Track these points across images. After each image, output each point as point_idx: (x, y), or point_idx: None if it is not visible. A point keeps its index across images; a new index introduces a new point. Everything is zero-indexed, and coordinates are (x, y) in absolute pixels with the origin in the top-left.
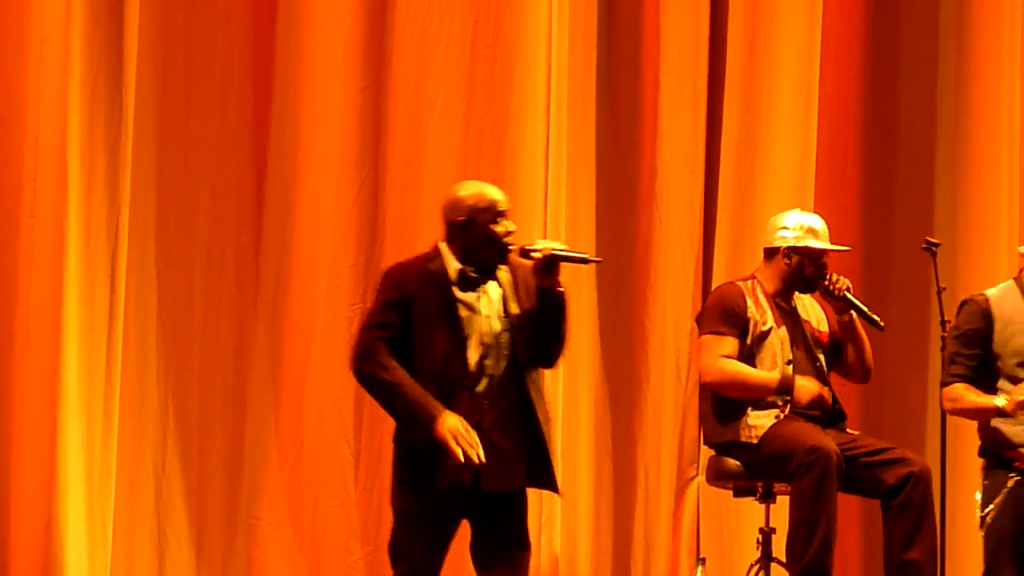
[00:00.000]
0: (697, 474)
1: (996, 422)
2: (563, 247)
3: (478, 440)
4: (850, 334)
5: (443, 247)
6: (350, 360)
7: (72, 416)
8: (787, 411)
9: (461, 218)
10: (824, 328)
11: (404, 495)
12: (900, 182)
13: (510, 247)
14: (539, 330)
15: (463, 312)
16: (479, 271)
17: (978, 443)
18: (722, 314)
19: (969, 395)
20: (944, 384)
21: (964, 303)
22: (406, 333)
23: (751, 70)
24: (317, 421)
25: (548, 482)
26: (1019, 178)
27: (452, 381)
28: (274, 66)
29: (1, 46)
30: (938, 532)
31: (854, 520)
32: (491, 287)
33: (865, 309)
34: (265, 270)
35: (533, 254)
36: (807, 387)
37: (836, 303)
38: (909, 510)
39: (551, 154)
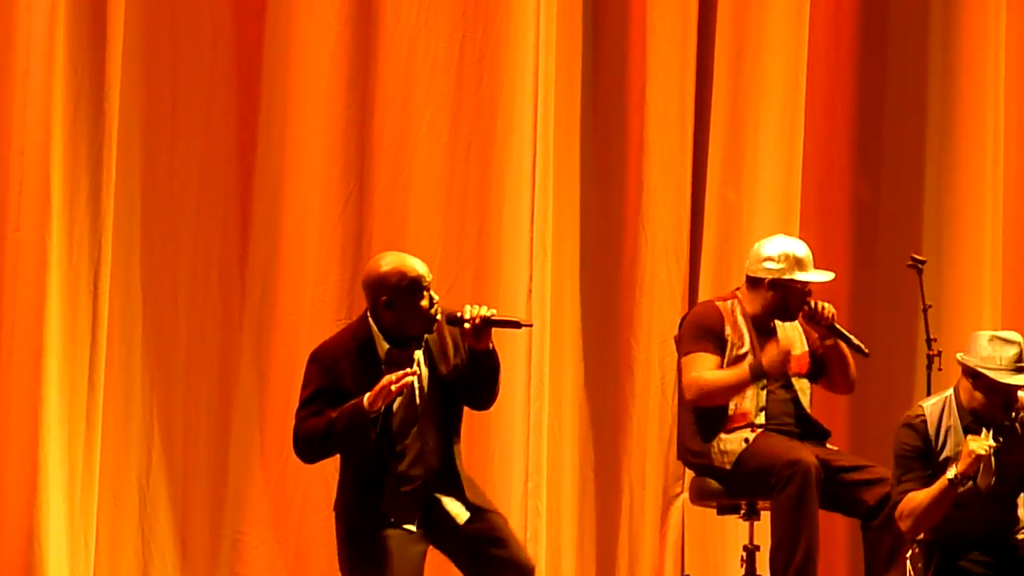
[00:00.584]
0: (682, 491)
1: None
2: (492, 312)
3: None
4: (833, 353)
5: (371, 324)
6: (295, 452)
7: (55, 431)
8: (757, 433)
9: (384, 298)
10: (805, 350)
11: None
12: (886, 199)
13: (435, 319)
14: (471, 384)
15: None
16: (406, 342)
17: None
18: (700, 334)
19: (919, 495)
20: (896, 505)
21: (904, 422)
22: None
23: (738, 87)
24: None
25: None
26: (1003, 196)
27: (383, 452)
28: (260, 81)
29: None
30: None
31: (839, 533)
32: (418, 355)
33: (851, 337)
34: (250, 285)
35: (465, 324)
36: (772, 357)
37: (821, 330)
38: (889, 530)
39: (537, 170)
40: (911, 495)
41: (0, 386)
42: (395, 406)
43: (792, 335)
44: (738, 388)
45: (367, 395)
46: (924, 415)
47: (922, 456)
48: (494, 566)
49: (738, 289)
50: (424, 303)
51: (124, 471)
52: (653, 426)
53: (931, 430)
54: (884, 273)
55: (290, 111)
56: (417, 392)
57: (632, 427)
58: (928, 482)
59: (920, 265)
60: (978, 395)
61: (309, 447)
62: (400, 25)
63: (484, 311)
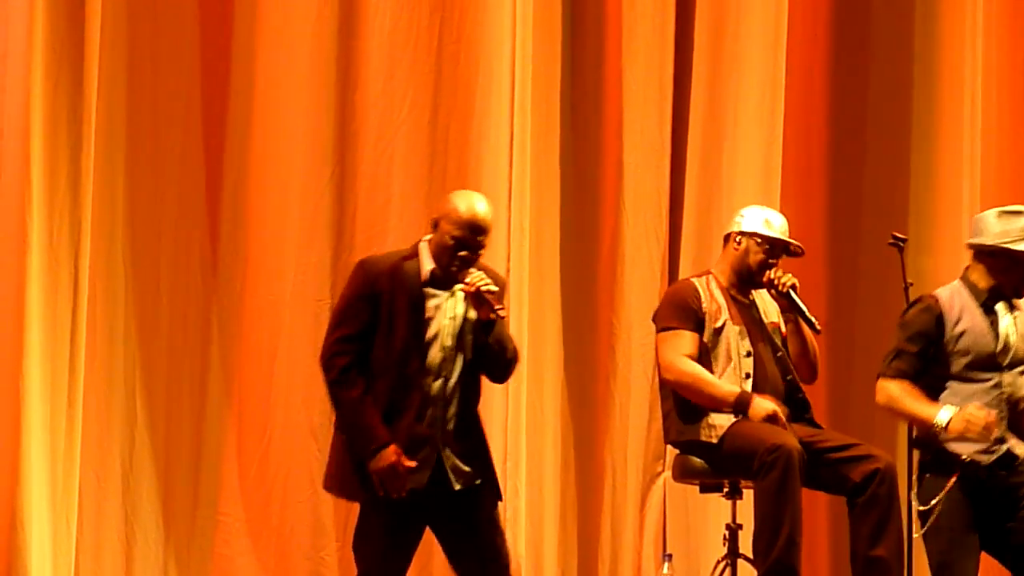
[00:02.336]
0: (663, 470)
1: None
2: (489, 289)
3: (404, 478)
4: (793, 334)
5: (423, 245)
6: (319, 356)
7: (37, 413)
8: None
9: (435, 218)
10: (782, 325)
11: (361, 485)
12: (867, 176)
13: (456, 266)
14: (480, 349)
15: (429, 312)
16: (447, 275)
17: None
18: (677, 310)
19: (908, 399)
20: (883, 376)
21: (915, 302)
22: (372, 325)
23: (717, 66)
24: (284, 417)
25: (492, 490)
26: (980, 173)
27: (407, 378)
28: (242, 63)
29: None
30: (904, 528)
31: (822, 516)
32: (459, 291)
33: (804, 308)
34: (232, 266)
35: (459, 285)
36: (762, 406)
37: (780, 300)
38: (875, 507)
39: (515, 150)
40: (899, 387)
41: None
42: (430, 333)
43: (771, 308)
44: (713, 403)
45: (378, 457)
46: (938, 297)
47: (928, 340)
48: (470, 553)
49: (713, 265)
50: (452, 244)
51: (107, 452)
52: (634, 405)
53: (946, 312)
54: (865, 251)
55: (271, 92)
56: (446, 332)
57: (614, 406)
58: (922, 365)
59: (901, 243)
60: (997, 274)
61: (326, 384)
62: (380, 6)
63: (481, 283)
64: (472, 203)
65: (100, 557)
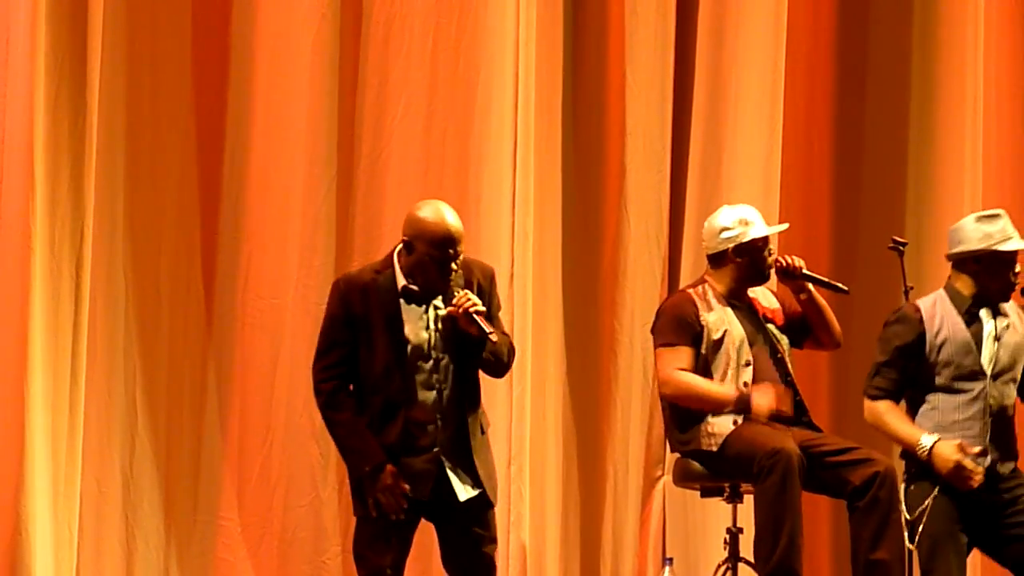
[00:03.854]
0: (663, 474)
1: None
2: (477, 309)
3: (399, 500)
4: (810, 306)
5: (395, 259)
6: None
7: (39, 419)
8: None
9: (406, 238)
10: (776, 305)
11: (354, 501)
12: (867, 180)
13: (442, 285)
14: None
15: (407, 327)
16: (424, 290)
17: None
18: (674, 325)
19: (893, 420)
20: (866, 395)
21: (895, 314)
22: (353, 346)
23: (718, 70)
24: (286, 422)
25: (490, 496)
26: (982, 177)
27: (395, 393)
28: (239, 69)
29: None
30: (905, 531)
31: (823, 519)
32: (438, 302)
33: (826, 279)
34: (233, 271)
35: (450, 307)
36: (763, 403)
37: (795, 282)
38: (875, 510)
39: (518, 155)
40: (883, 407)
41: None
42: (413, 346)
43: (768, 300)
44: (714, 406)
45: (374, 481)
46: (920, 307)
47: (910, 354)
48: (464, 561)
49: (706, 274)
50: (435, 264)
51: (107, 457)
52: (636, 409)
53: (927, 323)
54: (864, 254)
55: (269, 99)
56: (432, 333)
57: (615, 411)
58: (902, 380)
59: (901, 247)
60: (983, 280)
61: (320, 410)
62: (375, 11)
63: (471, 304)
64: (442, 217)
65: (101, 563)
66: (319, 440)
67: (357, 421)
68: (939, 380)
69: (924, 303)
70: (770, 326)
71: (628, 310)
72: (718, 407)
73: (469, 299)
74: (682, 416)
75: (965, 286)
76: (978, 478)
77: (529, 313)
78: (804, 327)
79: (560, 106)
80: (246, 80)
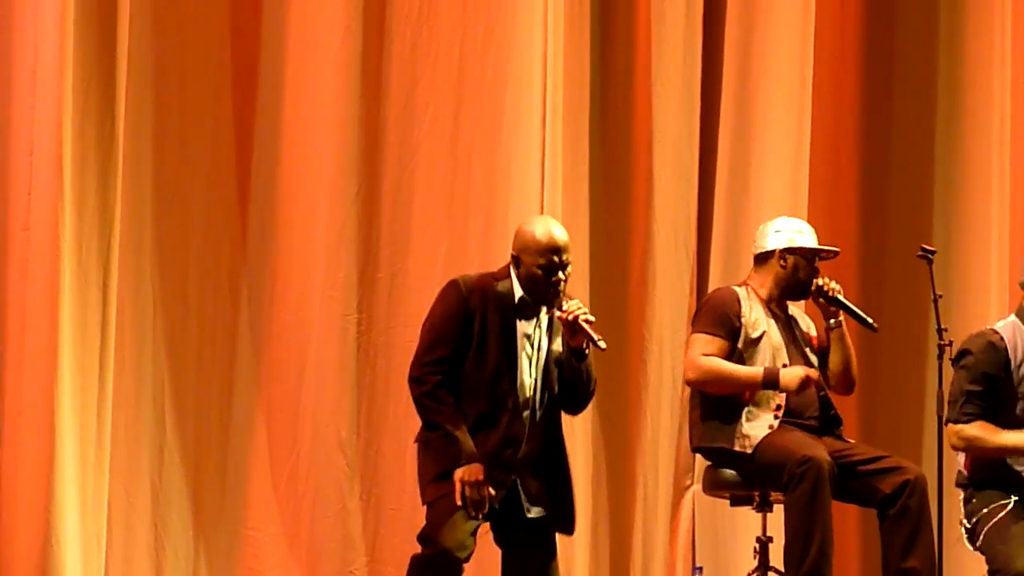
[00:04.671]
0: (692, 483)
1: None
2: (588, 318)
3: (485, 500)
4: (838, 343)
5: (512, 270)
6: (410, 368)
7: (68, 429)
8: (780, 418)
9: (514, 253)
10: (814, 334)
11: (437, 484)
12: (894, 189)
13: (549, 294)
14: (564, 378)
15: (520, 338)
16: (536, 303)
17: None
18: (716, 316)
19: (990, 436)
20: (955, 422)
21: (976, 340)
22: (464, 345)
23: (745, 79)
24: (313, 432)
25: (565, 525)
26: (1010, 184)
27: (498, 401)
28: (264, 80)
29: None
30: (936, 540)
31: (852, 527)
32: (545, 321)
33: (858, 311)
34: (260, 282)
35: (557, 312)
36: (792, 374)
37: (827, 306)
38: (906, 519)
39: (546, 164)
40: (976, 428)
41: (13, 384)
42: (521, 365)
43: (807, 321)
44: (742, 385)
45: (464, 470)
46: (1001, 334)
47: (996, 384)
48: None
49: (748, 278)
50: (541, 273)
51: (136, 468)
52: (665, 418)
53: (1011, 351)
54: (892, 263)
55: (296, 110)
56: (532, 362)
57: (644, 419)
58: (990, 402)
59: (930, 256)
60: None
61: (416, 400)
62: (402, 22)
63: (581, 312)
64: (547, 228)
65: (130, 573)
66: (346, 451)
67: (459, 416)
68: (1019, 410)
69: (1005, 330)
70: (807, 349)
71: (657, 319)
72: (746, 387)
73: (581, 307)
74: (718, 413)
75: None
76: None
77: None
78: (823, 361)
79: (587, 116)
80: (273, 90)
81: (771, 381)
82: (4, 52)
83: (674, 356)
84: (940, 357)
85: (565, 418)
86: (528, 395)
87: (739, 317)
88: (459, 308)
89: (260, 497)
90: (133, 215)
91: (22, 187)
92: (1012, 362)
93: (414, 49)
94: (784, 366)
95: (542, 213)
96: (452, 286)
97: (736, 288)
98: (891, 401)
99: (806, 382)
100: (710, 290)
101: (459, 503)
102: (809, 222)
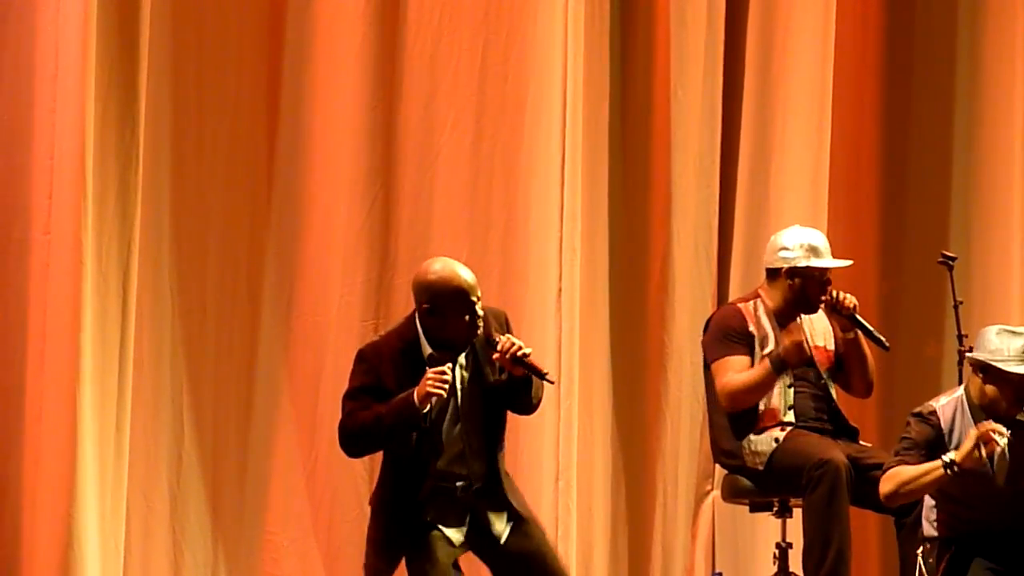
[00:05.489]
0: (712, 489)
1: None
2: (526, 352)
3: (448, 371)
4: (853, 349)
5: (418, 326)
6: (341, 445)
7: (89, 434)
8: (787, 432)
9: (426, 305)
10: (831, 346)
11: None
12: (915, 194)
13: (474, 335)
14: (508, 394)
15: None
16: (450, 347)
17: None
18: (724, 337)
19: (906, 469)
20: (888, 469)
21: (915, 416)
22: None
23: (766, 84)
24: (330, 437)
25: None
26: None
27: (422, 454)
28: (284, 84)
29: (14, 62)
30: None
31: (871, 532)
32: (462, 359)
33: (871, 329)
34: (278, 287)
35: (495, 354)
36: (787, 344)
37: (842, 320)
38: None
39: (566, 170)
40: (902, 467)
41: (34, 388)
42: (436, 404)
43: (818, 328)
44: (766, 384)
45: (416, 389)
46: (936, 411)
47: (929, 445)
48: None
49: (760, 287)
50: (465, 317)
51: (155, 472)
52: (685, 424)
53: (944, 426)
54: (913, 269)
55: (315, 114)
56: (459, 391)
57: (664, 425)
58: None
59: (951, 262)
60: (989, 391)
61: (356, 440)
62: (423, 27)
63: (517, 348)
64: (454, 270)
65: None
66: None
67: (371, 406)
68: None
69: (943, 408)
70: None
71: (677, 325)
72: (769, 381)
73: (513, 343)
74: (724, 435)
75: (978, 394)
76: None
77: (576, 328)
78: (839, 365)
79: (608, 121)
80: (293, 94)
81: (778, 364)
82: (26, 57)
83: (694, 362)
84: (960, 363)
85: (584, 424)
86: (459, 435)
87: (746, 333)
88: (371, 379)
89: (279, 501)
90: (153, 220)
91: (43, 191)
92: (945, 434)
93: (435, 54)
94: (791, 385)
95: (561, 218)
96: (360, 360)
97: (740, 305)
98: (910, 407)
99: (800, 343)
100: (730, 296)
101: (428, 388)
102: (829, 228)
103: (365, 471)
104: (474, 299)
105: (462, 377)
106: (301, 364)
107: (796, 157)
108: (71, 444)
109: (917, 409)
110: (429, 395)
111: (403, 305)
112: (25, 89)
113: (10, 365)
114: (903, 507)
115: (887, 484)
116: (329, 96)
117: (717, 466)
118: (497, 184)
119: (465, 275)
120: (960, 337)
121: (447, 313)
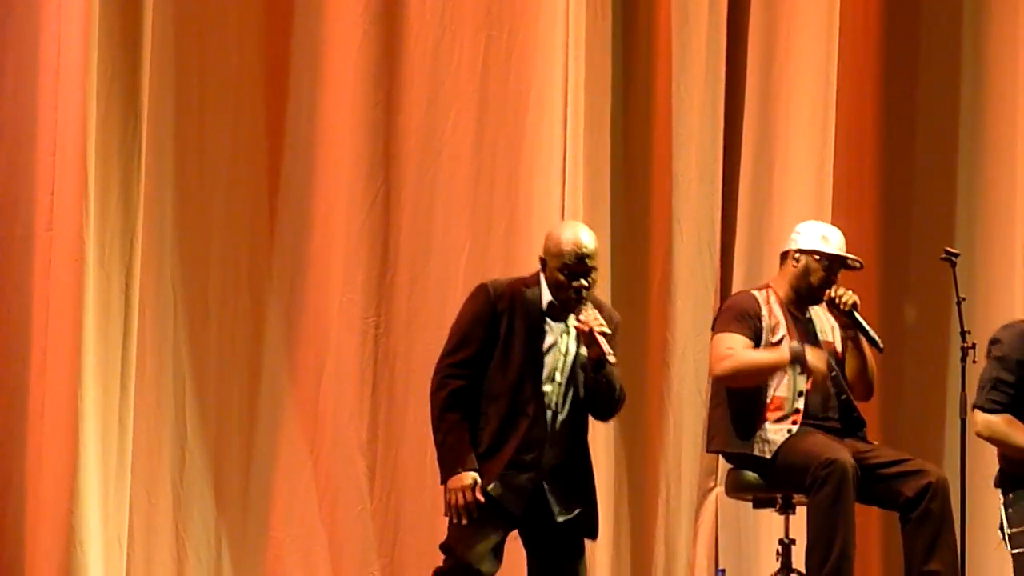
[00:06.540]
0: (715, 485)
1: None
2: (602, 329)
3: (474, 509)
4: (854, 349)
5: (542, 275)
6: (436, 364)
7: (91, 431)
8: (799, 423)
9: (541, 256)
10: (838, 345)
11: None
12: (918, 190)
13: (570, 298)
14: (590, 397)
15: (546, 342)
16: (564, 306)
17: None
18: (735, 317)
19: (1014, 432)
20: (982, 408)
21: (1008, 330)
22: (489, 348)
23: (769, 80)
24: (332, 434)
25: (590, 528)
26: None
27: (521, 406)
28: (287, 82)
29: (17, 59)
30: (958, 542)
31: (874, 530)
32: (572, 324)
33: (867, 328)
34: (280, 284)
35: (573, 320)
36: (820, 356)
37: (840, 318)
38: (929, 522)
39: (568, 166)
40: (1001, 421)
41: (36, 385)
42: (546, 365)
43: (827, 326)
44: (771, 369)
45: (456, 479)
46: None
47: None
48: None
49: (771, 280)
50: (563, 278)
51: (157, 469)
52: (688, 421)
53: None
54: (916, 265)
55: (316, 111)
56: (558, 367)
57: (667, 422)
58: (1017, 394)
59: (954, 258)
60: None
61: (431, 403)
62: (425, 25)
63: (595, 323)
64: (574, 233)
65: (152, 575)
66: (365, 453)
67: (463, 426)
68: None
69: None
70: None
71: (680, 322)
72: (776, 369)
73: (598, 319)
74: (740, 420)
75: None
76: None
77: None
78: (841, 369)
79: (609, 119)
80: (295, 92)
81: (798, 357)
82: (29, 53)
83: (697, 359)
84: (963, 360)
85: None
86: (552, 400)
87: (759, 319)
88: (486, 311)
89: (281, 499)
90: (155, 216)
91: (45, 188)
92: None
93: (436, 53)
94: (802, 372)
95: (563, 216)
96: (481, 289)
97: (755, 292)
98: (914, 403)
99: (829, 361)
100: (733, 293)
101: (445, 512)
102: (833, 223)
103: (367, 468)
104: (571, 261)
105: (567, 347)
106: (303, 361)
107: (799, 155)
108: (73, 441)
109: (1006, 324)
110: (450, 506)
111: (404, 303)
112: (28, 86)
113: (12, 362)
114: (909, 501)
115: (990, 430)
116: (331, 94)
117: (720, 462)
118: (499, 182)
119: (575, 235)
120: (963, 333)
121: (552, 267)
